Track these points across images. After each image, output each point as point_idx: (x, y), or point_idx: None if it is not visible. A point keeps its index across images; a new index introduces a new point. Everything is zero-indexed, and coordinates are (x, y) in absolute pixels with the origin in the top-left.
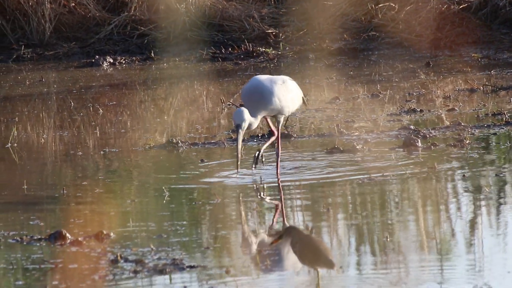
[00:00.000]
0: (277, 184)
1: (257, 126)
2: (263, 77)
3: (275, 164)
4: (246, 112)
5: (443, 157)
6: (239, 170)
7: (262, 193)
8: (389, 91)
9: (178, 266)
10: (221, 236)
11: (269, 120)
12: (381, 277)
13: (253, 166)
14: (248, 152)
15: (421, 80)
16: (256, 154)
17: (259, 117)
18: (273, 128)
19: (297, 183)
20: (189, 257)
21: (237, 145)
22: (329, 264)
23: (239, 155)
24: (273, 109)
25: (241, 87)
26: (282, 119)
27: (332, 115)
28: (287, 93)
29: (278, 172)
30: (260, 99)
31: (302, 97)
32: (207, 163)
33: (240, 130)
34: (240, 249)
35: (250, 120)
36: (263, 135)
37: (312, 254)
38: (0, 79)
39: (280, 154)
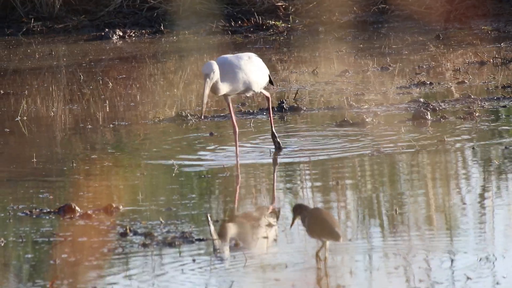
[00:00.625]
0: (287, 159)
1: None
2: (229, 55)
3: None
4: (215, 64)
5: (452, 130)
6: (203, 116)
7: (272, 168)
8: (398, 64)
9: (187, 239)
10: (230, 209)
11: (230, 107)
12: (389, 247)
13: (278, 147)
14: (257, 125)
15: (431, 53)
16: (273, 137)
17: (226, 90)
18: (233, 116)
19: (307, 158)
20: (198, 230)
21: (203, 93)
22: (336, 236)
23: (205, 103)
24: (240, 83)
25: None
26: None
27: (341, 88)
28: (254, 68)
29: (237, 152)
30: (227, 73)
31: (269, 75)
32: (217, 136)
33: (208, 80)
34: (249, 222)
35: (217, 77)
36: (272, 108)
37: (320, 226)
38: (9, 52)
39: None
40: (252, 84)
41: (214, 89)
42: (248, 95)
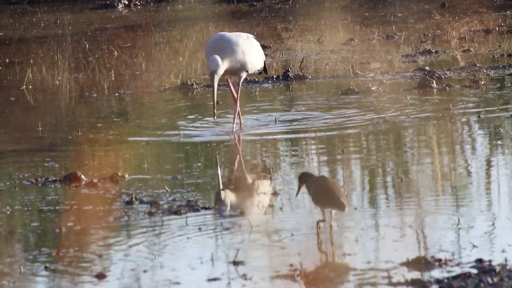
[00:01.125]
0: (292, 128)
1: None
2: (227, 33)
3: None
4: (219, 59)
5: (458, 98)
6: (215, 117)
7: (277, 137)
8: (404, 32)
9: (192, 208)
10: (236, 178)
11: (230, 85)
12: (394, 215)
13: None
14: (263, 93)
15: (436, 21)
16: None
17: (224, 68)
18: (233, 91)
19: (312, 126)
20: (204, 199)
21: (212, 91)
22: (341, 206)
23: (215, 101)
24: (237, 60)
25: (256, 28)
26: (243, 77)
27: (347, 56)
28: (251, 49)
29: (234, 126)
30: (225, 50)
31: (264, 62)
32: (222, 105)
33: (215, 76)
34: (254, 190)
35: (222, 68)
36: (278, 77)
37: (325, 196)
38: (15, 21)
39: (238, 110)
40: (247, 63)
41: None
42: (241, 76)
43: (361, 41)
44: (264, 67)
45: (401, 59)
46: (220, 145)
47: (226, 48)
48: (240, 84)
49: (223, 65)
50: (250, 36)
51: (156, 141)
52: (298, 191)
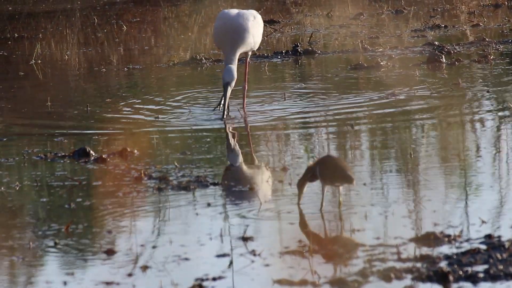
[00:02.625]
0: (301, 103)
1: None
2: (234, 13)
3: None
4: (234, 69)
5: (467, 73)
6: (226, 120)
7: (285, 113)
8: (413, 7)
9: (201, 183)
10: (245, 154)
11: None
12: (403, 191)
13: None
14: (272, 68)
15: None
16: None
17: (237, 58)
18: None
19: (321, 102)
20: (213, 175)
21: (224, 102)
22: (348, 179)
23: (225, 111)
24: (247, 45)
25: (265, 3)
26: (250, 54)
27: (356, 31)
28: (259, 28)
29: (245, 105)
30: (236, 38)
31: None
32: None
33: (229, 88)
34: (264, 166)
35: (235, 74)
36: (286, 51)
37: (331, 172)
38: None
39: (246, 87)
40: (256, 45)
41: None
42: (249, 54)
43: (370, 16)
44: None
45: (410, 34)
46: (229, 120)
47: (238, 37)
48: (248, 62)
49: (237, 56)
50: (255, 13)
51: (165, 115)
52: (299, 199)
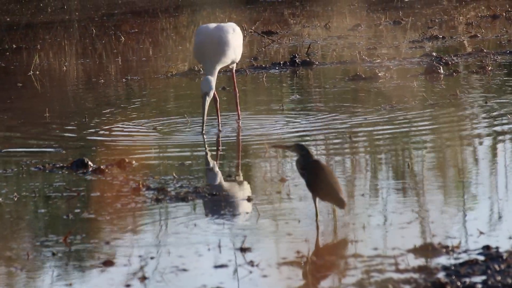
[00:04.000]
0: (300, 114)
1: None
2: (212, 27)
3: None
4: (213, 80)
5: (465, 84)
6: (204, 133)
7: (284, 123)
8: (411, 18)
9: (200, 194)
10: (243, 165)
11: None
12: (401, 202)
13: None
14: (270, 79)
15: (443, 7)
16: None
17: (216, 73)
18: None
19: (320, 113)
20: (211, 185)
21: (203, 112)
22: (341, 204)
23: (204, 121)
24: (228, 60)
25: (263, 14)
26: (235, 66)
27: (354, 42)
28: (239, 41)
29: (239, 112)
30: (216, 52)
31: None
32: (229, 91)
33: (207, 98)
34: (262, 177)
35: (214, 85)
36: (284, 63)
37: (323, 189)
38: (21, 6)
39: (237, 95)
40: (237, 58)
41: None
42: (233, 66)
43: (368, 27)
44: None
45: (408, 45)
46: (227, 131)
47: (218, 51)
48: (235, 73)
49: (217, 69)
50: (234, 25)
51: (163, 126)
52: (279, 146)
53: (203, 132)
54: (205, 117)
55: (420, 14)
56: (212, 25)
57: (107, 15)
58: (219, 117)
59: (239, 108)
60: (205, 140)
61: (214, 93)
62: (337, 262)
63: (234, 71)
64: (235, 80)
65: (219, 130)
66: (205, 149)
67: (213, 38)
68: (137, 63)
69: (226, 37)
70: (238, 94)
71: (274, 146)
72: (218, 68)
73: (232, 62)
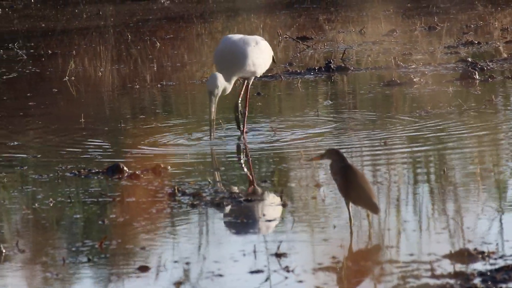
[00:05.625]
0: (334, 119)
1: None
2: (236, 38)
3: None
4: (220, 77)
5: (500, 90)
6: (212, 136)
7: (318, 129)
8: (446, 23)
9: (235, 200)
10: (278, 170)
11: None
12: (437, 208)
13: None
14: (305, 85)
15: (478, 12)
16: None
17: (233, 81)
18: (246, 94)
19: (352, 119)
20: (246, 191)
21: (210, 111)
22: (374, 209)
23: (213, 122)
24: (246, 71)
25: (298, 19)
26: (252, 80)
27: (389, 47)
28: (260, 55)
29: (245, 130)
30: (234, 62)
31: (273, 56)
32: (264, 96)
33: (213, 97)
34: (297, 183)
35: (224, 85)
36: (319, 68)
37: (356, 194)
38: (57, 13)
39: (246, 114)
40: (256, 72)
41: (225, 91)
42: (250, 80)
43: (403, 32)
44: (273, 59)
45: (443, 50)
46: (262, 137)
47: (236, 62)
48: (249, 88)
49: (232, 78)
50: (259, 39)
51: (199, 132)
52: (314, 159)
53: (211, 137)
54: (213, 120)
55: (455, 20)
56: (238, 36)
57: (142, 20)
58: (244, 126)
59: (245, 126)
60: (241, 146)
61: (239, 107)
62: (373, 268)
63: (249, 86)
64: (248, 96)
65: (244, 138)
66: (240, 154)
67: (232, 48)
68: (172, 68)
69: (246, 48)
70: (246, 114)
71: (310, 160)
72: (234, 78)
73: (252, 75)
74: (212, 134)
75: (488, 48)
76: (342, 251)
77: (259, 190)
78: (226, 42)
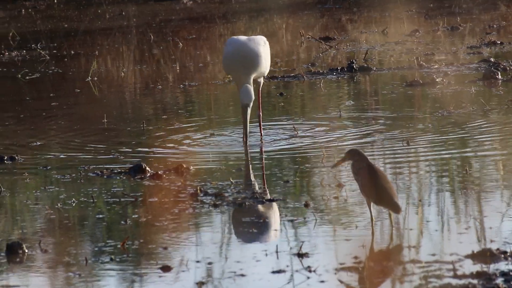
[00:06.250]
0: (354, 118)
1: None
2: (244, 39)
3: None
4: (251, 89)
5: None
6: (248, 145)
7: (340, 128)
8: (469, 24)
9: (257, 200)
10: (300, 170)
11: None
12: (459, 208)
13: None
14: (327, 85)
15: (501, 12)
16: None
17: (251, 81)
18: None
19: (375, 119)
20: (268, 191)
21: (244, 124)
22: (396, 208)
23: (247, 133)
24: (260, 71)
25: (320, 20)
26: (262, 82)
27: (411, 47)
28: (267, 55)
29: (262, 133)
30: (249, 62)
31: None
32: (286, 96)
33: (248, 109)
34: (319, 182)
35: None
36: (342, 68)
37: (378, 196)
38: (80, 13)
39: (261, 115)
40: (266, 70)
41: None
42: (261, 81)
43: (425, 33)
44: None
45: (466, 51)
46: (284, 137)
47: (251, 63)
48: (260, 89)
49: (251, 80)
50: (264, 38)
51: (221, 132)
52: (338, 164)
53: (247, 147)
54: (247, 132)
55: (478, 20)
56: (243, 37)
57: (164, 21)
58: (261, 128)
59: (261, 127)
60: (262, 147)
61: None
62: (395, 268)
63: (260, 87)
64: (259, 99)
65: (261, 142)
66: (262, 155)
67: (245, 49)
68: (194, 69)
69: (258, 48)
70: (261, 115)
71: (334, 166)
72: (251, 78)
73: (261, 75)
74: (247, 144)
75: (511, 48)
76: (364, 251)
77: (282, 190)
78: (235, 44)
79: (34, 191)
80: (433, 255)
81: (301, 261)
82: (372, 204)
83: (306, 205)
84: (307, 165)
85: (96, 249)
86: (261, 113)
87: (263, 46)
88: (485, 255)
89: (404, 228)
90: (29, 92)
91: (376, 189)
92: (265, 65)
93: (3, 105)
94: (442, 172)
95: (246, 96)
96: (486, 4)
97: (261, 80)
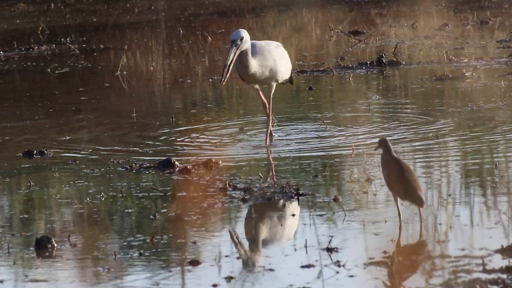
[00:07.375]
0: (382, 112)
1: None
2: (255, 41)
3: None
4: (245, 32)
5: None
6: (224, 80)
7: (366, 122)
8: (499, 18)
9: (286, 194)
10: (330, 164)
11: (260, 92)
12: (489, 203)
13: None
14: (356, 79)
15: None
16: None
17: (255, 65)
18: (264, 100)
19: (404, 113)
20: (297, 185)
21: (227, 57)
22: (420, 202)
23: (228, 67)
24: (267, 66)
25: (350, 14)
26: (273, 88)
27: (441, 42)
28: (281, 58)
29: (267, 141)
30: (257, 52)
31: (291, 72)
32: (315, 91)
33: (234, 47)
34: (348, 178)
35: (248, 45)
36: (371, 62)
37: (402, 189)
38: (109, 7)
39: (270, 123)
40: (277, 73)
41: (244, 63)
42: (272, 86)
43: (455, 27)
44: (290, 77)
45: (496, 45)
46: (313, 132)
47: (259, 53)
48: (271, 96)
49: (255, 65)
50: (280, 45)
51: (250, 128)
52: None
53: (223, 81)
54: (229, 63)
55: (507, 14)
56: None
57: (193, 15)
58: (270, 128)
59: (268, 137)
60: (290, 141)
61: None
62: (424, 262)
63: (271, 93)
64: (270, 106)
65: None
66: (290, 150)
67: (255, 44)
68: (223, 63)
69: (268, 47)
70: (270, 124)
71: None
72: (256, 63)
73: (272, 77)
74: (225, 78)
75: None
76: (393, 245)
77: (311, 184)
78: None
79: (63, 185)
80: (462, 249)
81: (330, 255)
82: (398, 198)
83: (335, 200)
84: (336, 159)
85: (125, 243)
86: (271, 121)
87: (274, 48)
88: None
89: (433, 223)
90: (58, 87)
91: (400, 183)
92: (275, 65)
93: (32, 100)
94: (471, 166)
95: (235, 33)
96: None
97: (273, 85)
